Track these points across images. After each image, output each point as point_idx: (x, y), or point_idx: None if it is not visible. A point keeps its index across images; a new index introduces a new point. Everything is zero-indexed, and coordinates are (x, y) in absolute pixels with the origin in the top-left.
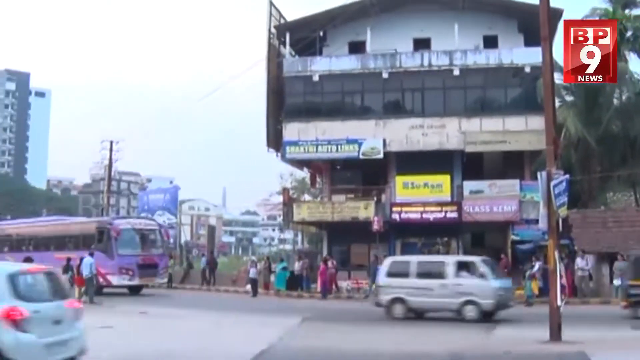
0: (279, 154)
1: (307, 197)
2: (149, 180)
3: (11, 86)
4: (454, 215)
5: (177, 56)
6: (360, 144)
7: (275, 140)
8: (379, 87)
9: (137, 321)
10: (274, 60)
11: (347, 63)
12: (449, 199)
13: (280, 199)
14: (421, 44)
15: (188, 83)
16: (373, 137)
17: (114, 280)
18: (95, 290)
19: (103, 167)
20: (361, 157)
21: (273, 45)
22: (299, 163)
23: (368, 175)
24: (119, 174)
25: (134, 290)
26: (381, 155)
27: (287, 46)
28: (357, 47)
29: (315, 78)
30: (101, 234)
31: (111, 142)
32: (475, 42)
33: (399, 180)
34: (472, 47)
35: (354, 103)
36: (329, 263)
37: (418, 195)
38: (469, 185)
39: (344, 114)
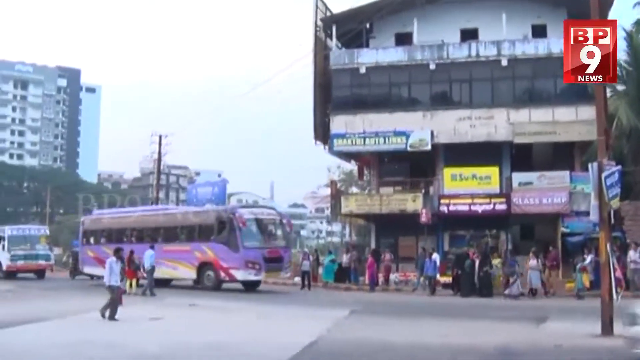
0: (327, 147)
1: (354, 189)
2: (198, 174)
3: (63, 83)
4: (503, 207)
5: (224, 51)
6: (407, 136)
7: (322, 133)
8: (426, 78)
9: (186, 313)
10: (321, 53)
11: (394, 55)
12: (497, 190)
13: (328, 191)
14: (468, 35)
15: (236, 77)
16: (420, 129)
17: (239, 275)
18: (215, 285)
19: (152, 160)
20: (409, 149)
21: (319, 38)
22: (347, 155)
23: (416, 167)
24: (168, 168)
25: (251, 286)
26: (429, 147)
27: (334, 39)
28: (403, 39)
29: (362, 70)
30: (222, 224)
31: (160, 136)
32: (524, 31)
33: (447, 172)
34: (520, 37)
35: (401, 95)
36: (386, 255)
37: (466, 187)
38: (517, 177)
39: (391, 106)
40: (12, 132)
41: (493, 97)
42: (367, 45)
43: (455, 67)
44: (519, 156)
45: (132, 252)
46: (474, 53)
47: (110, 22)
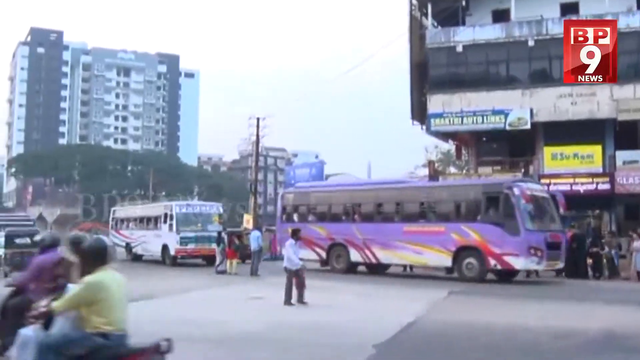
0: (424, 127)
1: (452, 169)
2: (295, 156)
3: (162, 68)
4: (606, 186)
5: (321, 33)
6: (506, 115)
7: (419, 113)
8: (524, 55)
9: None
10: (417, 32)
11: (492, 32)
12: (600, 169)
13: (426, 171)
14: (568, 9)
15: (333, 58)
16: (519, 107)
17: (519, 263)
18: (480, 274)
19: (250, 143)
20: (507, 128)
21: (415, 17)
22: (444, 135)
23: (515, 146)
24: (265, 150)
25: (507, 276)
26: (528, 126)
27: (429, 17)
28: (501, 16)
29: (459, 49)
30: (493, 201)
31: (258, 119)
32: (628, 4)
33: (548, 151)
34: (624, 9)
35: (499, 73)
36: None
37: (567, 167)
38: (622, 155)
39: (489, 85)
40: (116, 118)
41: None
42: (464, 23)
43: (555, 43)
44: (623, 134)
45: (231, 234)
46: None
47: (207, 8)
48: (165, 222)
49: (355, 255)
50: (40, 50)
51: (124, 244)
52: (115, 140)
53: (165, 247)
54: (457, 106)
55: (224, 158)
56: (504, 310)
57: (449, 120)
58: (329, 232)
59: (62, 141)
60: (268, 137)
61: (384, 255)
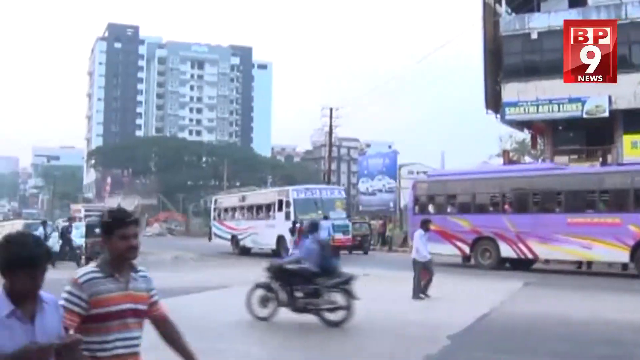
0: (498, 116)
1: (527, 159)
2: (368, 146)
3: (236, 61)
4: None
5: (393, 23)
6: (583, 103)
7: (493, 102)
8: None
9: (359, 282)
10: (490, 19)
11: (568, 17)
12: None
13: (500, 161)
14: None
15: (406, 48)
16: (597, 94)
17: None
18: None
19: (324, 133)
20: (585, 116)
21: (488, 4)
22: (519, 124)
23: (592, 134)
24: (338, 140)
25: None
26: (606, 114)
27: (503, 4)
28: (577, 0)
29: (534, 35)
30: None
31: (331, 109)
32: None
33: (627, 139)
34: None
35: None
36: None
37: None
38: None
39: None
40: (191, 110)
41: None
42: (539, 9)
43: (635, 28)
44: None
45: (301, 223)
46: None
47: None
48: (280, 209)
49: (506, 250)
50: (118, 45)
51: (229, 236)
52: (190, 132)
53: (281, 239)
54: (532, 94)
55: (297, 148)
56: (581, 302)
57: (524, 109)
58: (474, 224)
59: (139, 133)
60: (341, 128)
61: (542, 250)
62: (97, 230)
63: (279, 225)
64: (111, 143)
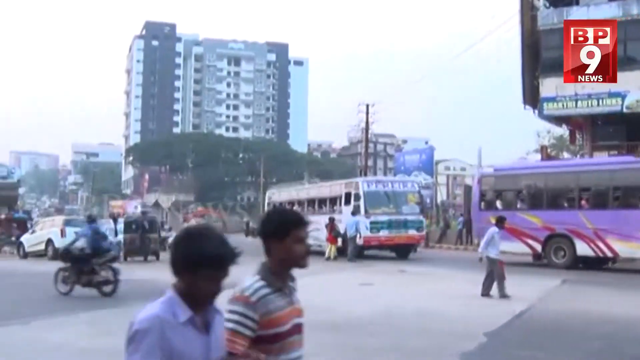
0: (536, 111)
1: (566, 154)
2: (405, 142)
3: (272, 57)
4: None
5: (429, 18)
6: (623, 97)
7: (531, 97)
8: None
9: (395, 279)
10: (528, 13)
11: (607, 11)
12: None
13: (538, 157)
14: None
15: (442, 43)
16: (637, 89)
17: None
18: None
19: (360, 129)
20: (625, 110)
21: None
22: (557, 119)
23: (633, 130)
24: (375, 136)
25: None
26: None
27: None
28: None
29: None
30: None
31: (367, 105)
32: None
33: None
34: None
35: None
36: None
37: None
38: None
39: None
40: (228, 107)
41: None
42: (577, 3)
43: None
44: None
45: (332, 220)
46: None
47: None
48: (347, 203)
49: (582, 248)
50: (155, 43)
51: None
52: (227, 129)
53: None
54: (570, 89)
55: (333, 144)
56: (621, 301)
57: (563, 104)
58: (546, 221)
59: (176, 130)
60: (377, 124)
61: (624, 248)
62: (135, 227)
63: (347, 221)
64: (149, 140)
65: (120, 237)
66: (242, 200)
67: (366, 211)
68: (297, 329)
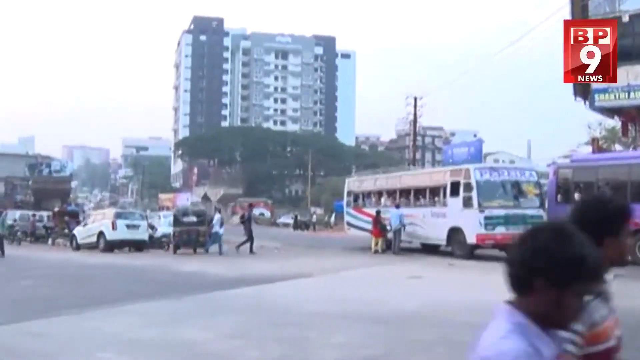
0: (587, 103)
1: (618, 147)
2: (453, 134)
3: (319, 50)
4: None
5: (474, 10)
6: None
7: (582, 89)
8: None
9: (445, 272)
10: (578, 3)
11: None
12: None
13: (589, 149)
14: None
15: (492, 34)
16: None
17: None
18: None
19: (408, 122)
20: None
21: None
22: (609, 111)
23: None
24: (423, 129)
25: None
26: None
27: None
28: None
29: (625, 19)
30: None
31: (415, 98)
32: None
33: None
34: None
35: None
36: None
37: None
38: None
39: None
40: (275, 100)
41: None
42: None
43: None
44: None
45: (378, 212)
46: None
47: None
48: (455, 194)
49: None
50: (203, 37)
51: (370, 227)
52: (275, 122)
53: (455, 232)
54: (623, 80)
55: (381, 137)
56: None
57: (615, 95)
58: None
59: (224, 124)
60: (425, 116)
61: None
62: (185, 219)
63: (453, 214)
64: (197, 134)
65: (168, 229)
66: (290, 193)
67: (479, 204)
68: (618, 347)
